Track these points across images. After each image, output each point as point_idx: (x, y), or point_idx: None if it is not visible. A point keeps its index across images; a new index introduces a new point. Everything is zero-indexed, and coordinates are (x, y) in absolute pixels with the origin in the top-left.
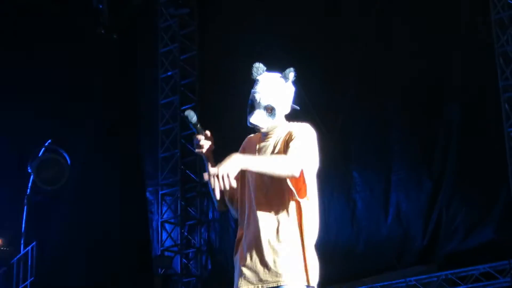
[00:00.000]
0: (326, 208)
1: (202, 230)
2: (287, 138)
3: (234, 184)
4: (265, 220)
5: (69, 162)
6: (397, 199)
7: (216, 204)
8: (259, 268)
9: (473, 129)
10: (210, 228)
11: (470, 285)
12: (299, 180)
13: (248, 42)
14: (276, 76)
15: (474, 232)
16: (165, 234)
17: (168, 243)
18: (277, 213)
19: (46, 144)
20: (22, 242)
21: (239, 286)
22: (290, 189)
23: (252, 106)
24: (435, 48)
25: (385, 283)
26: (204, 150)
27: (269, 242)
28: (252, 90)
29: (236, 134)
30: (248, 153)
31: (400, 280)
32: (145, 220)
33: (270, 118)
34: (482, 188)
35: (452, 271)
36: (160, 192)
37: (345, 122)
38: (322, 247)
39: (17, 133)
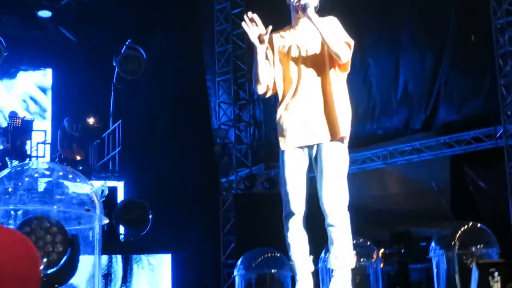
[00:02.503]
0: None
1: (250, 108)
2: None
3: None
4: (314, 89)
5: (145, 57)
6: (405, 78)
7: (259, 84)
8: (314, 129)
9: (467, 20)
10: (255, 106)
11: (463, 147)
12: (339, 64)
13: None
14: None
15: (467, 103)
16: (221, 112)
17: (224, 119)
18: (326, 82)
19: (127, 43)
20: (110, 120)
21: (294, 146)
22: (332, 65)
23: None
24: None
25: (395, 146)
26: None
27: (319, 106)
28: None
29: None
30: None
31: (407, 144)
32: (206, 101)
33: None
34: (473, 67)
35: (448, 136)
36: (217, 79)
37: (360, 17)
38: None
39: (105, 36)
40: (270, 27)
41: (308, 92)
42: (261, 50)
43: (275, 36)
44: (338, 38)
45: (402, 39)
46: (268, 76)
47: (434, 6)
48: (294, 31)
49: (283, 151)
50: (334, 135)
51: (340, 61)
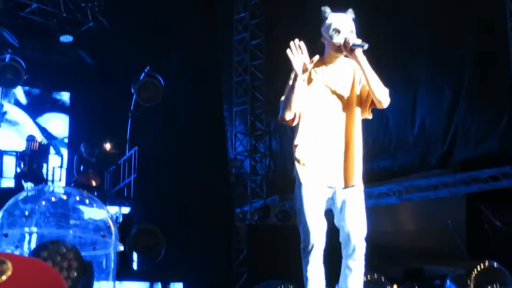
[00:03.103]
0: (363, 122)
1: (266, 139)
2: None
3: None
4: (339, 129)
5: (163, 84)
6: (422, 115)
7: (288, 111)
8: (339, 171)
9: (485, 59)
10: (272, 137)
11: (480, 185)
12: (370, 105)
13: None
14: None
15: (484, 141)
16: (238, 142)
17: (240, 149)
18: (351, 125)
19: (146, 70)
20: (127, 146)
21: (316, 182)
22: (361, 108)
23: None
24: None
25: (411, 182)
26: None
27: (348, 150)
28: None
29: None
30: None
31: (423, 180)
32: (222, 131)
33: None
34: (491, 105)
35: (465, 174)
36: (234, 109)
37: (378, 52)
38: None
39: (124, 62)
40: (317, 57)
41: (332, 131)
42: (301, 78)
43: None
44: (381, 84)
45: (420, 75)
46: (300, 104)
47: (452, 43)
48: (326, 69)
49: (303, 184)
50: (354, 181)
51: (381, 106)
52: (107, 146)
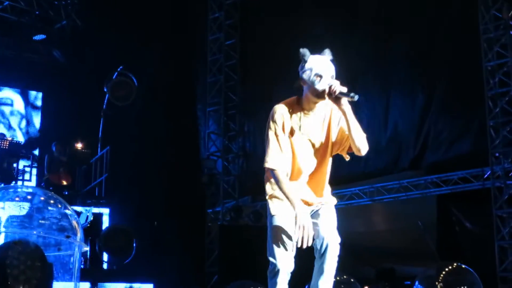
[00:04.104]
0: None
1: (239, 139)
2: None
3: None
4: (309, 168)
5: (136, 84)
6: (394, 118)
7: None
8: (317, 196)
9: (458, 63)
10: (245, 138)
11: (450, 187)
12: (348, 149)
13: None
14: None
15: (456, 144)
16: (211, 143)
17: (213, 149)
18: (326, 166)
19: (119, 69)
20: (99, 146)
21: (288, 214)
22: (338, 150)
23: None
24: None
25: (383, 184)
26: None
27: (322, 183)
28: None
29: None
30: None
31: (395, 182)
32: (195, 131)
33: None
34: (463, 109)
35: (436, 176)
36: (207, 109)
37: (352, 56)
38: None
39: (97, 61)
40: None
41: (305, 171)
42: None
43: (285, 112)
44: (362, 133)
45: (393, 78)
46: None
47: (426, 47)
48: (303, 114)
49: (275, 216)
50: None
51: (359, 153)
52: (79, 145)
